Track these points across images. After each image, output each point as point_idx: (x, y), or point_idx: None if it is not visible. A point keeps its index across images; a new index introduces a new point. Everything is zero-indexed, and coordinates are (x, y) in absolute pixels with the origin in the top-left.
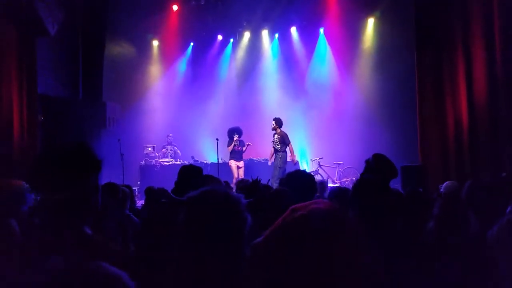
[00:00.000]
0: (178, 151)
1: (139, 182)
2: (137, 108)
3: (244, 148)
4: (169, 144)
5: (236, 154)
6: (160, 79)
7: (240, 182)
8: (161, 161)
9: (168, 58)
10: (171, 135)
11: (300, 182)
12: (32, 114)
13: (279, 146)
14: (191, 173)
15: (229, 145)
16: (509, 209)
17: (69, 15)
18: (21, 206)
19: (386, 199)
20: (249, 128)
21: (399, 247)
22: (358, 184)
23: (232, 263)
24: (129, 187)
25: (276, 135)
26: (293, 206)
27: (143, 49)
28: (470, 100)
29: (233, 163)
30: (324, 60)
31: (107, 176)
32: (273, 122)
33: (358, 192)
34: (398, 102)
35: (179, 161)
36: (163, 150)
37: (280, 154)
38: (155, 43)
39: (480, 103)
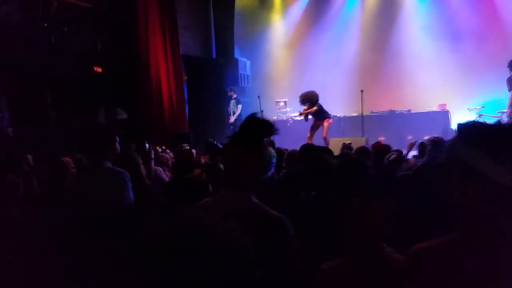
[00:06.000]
0: (239, 105)
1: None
2: (265, 62)
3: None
4: (230, 99)
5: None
6: (283, 28)
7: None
8: (293, 116)
9: (289, 4)
10: (233, 88)
11: None
12: (178, 75)
13: None
14: None
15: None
16: None
17: None
18: None
19: None
20: (393, 72)
21: None
22: None
23: None
24: None
25: None
26: None
27: None
28: None
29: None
30: None
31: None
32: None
33: None
34: None
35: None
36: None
37: None
38: None
39: None
